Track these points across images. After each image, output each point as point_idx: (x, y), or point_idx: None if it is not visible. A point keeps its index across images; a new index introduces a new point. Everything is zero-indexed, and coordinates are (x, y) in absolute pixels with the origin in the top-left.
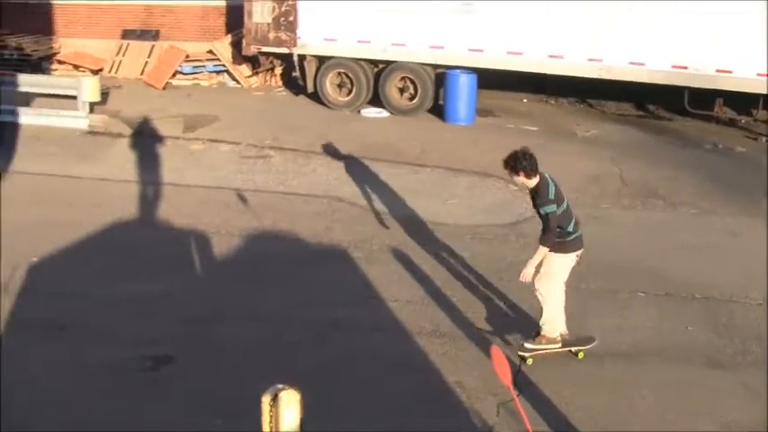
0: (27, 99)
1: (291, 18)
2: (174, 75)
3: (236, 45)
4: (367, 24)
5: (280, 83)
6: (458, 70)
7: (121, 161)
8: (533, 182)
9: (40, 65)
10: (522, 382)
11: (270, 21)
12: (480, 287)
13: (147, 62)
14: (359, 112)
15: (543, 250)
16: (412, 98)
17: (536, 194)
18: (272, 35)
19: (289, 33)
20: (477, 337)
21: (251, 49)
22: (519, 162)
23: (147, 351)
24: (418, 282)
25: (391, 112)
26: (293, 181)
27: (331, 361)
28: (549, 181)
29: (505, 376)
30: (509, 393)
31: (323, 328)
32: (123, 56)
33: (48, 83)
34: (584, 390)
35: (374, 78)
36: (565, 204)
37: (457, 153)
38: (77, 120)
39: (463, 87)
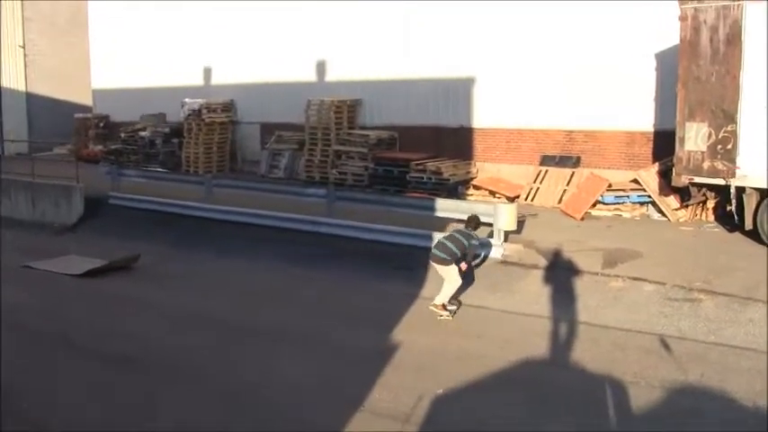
0: (442, 223)
1: (730, 146)
2: (593, 204)
3: (664, 174)
4: None
5: (711, 217)
6: None
7: (534, 294)
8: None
9: (455, 189)
10: None
11: (704, 149)
12: None
13: (565, 190)
14: None
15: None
16: None
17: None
18: (706, 164)
19: (726, 163)
20: None
21: (681, 179)
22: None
23: None
24: None
25: None
26: (726, 330)
27: None
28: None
29: None
30: None
31: None
32: (541, 182)
33: (464, 208)
34: None
35: None
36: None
37: None
38: (491, 248)
39: None
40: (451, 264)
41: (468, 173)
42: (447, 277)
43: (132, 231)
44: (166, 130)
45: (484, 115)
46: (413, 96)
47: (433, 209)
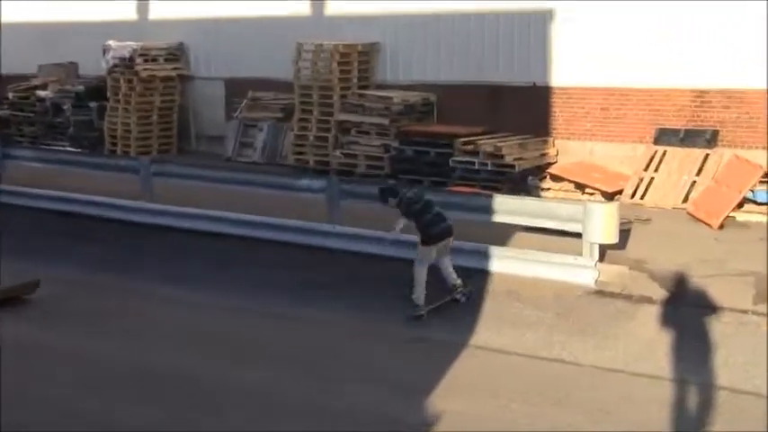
0: (503, 233)
1: None
2: (739, 205)
3: None
4: None
5: None
6: None
7: (645, 342)
8: None
9: (524, 180)
10: None
11: None
12: None
13: (693, 182)
14: None
15: None
16: None
17: None
18: None
19: None
20: None
21: None
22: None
23: None
24: None
25: None
26: None
27: None
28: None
29: None
30: None
31: None
32: (655, 171)
33: (535, 210)
34: None
35: None
36: None
37: None
38: (579, 271)
39: None
40: None
41: (544, 155)
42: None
43: (26, 245)
44: (80, 88)
45: (568, 68)
46: (458, 39)
47: (488, 211)
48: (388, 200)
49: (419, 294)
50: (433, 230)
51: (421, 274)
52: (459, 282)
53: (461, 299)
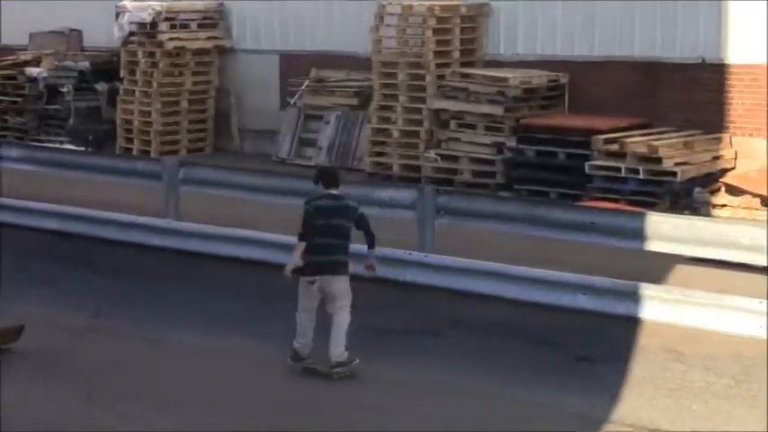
0: (658, 266)
1: None
2: None
3: None
4: None
5: None
6: None
7: None
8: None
9: (689, 193)
10: None
11: None
12: None
13: None
14: None
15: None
16: None
17: None
18: None
19: None
20: None
21: None
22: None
23: None
24: None
25: None
26: None
27: None
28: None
29: None
30: None
31: None
32: None
33: (704, 234)
34: None
35: None
36: None
37: None
38: (765, 319)
39: None
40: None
41: (717, 159)
42: (345, 300)
43: (14, 275)
44: (84, 65)
45: (752, 38)
46: (597, 2)
47: (639, 235)
48: (318, 184)
49: (301, 344)
50: (314, 257)
51: (300, 317)
52: (343, 359)
53: (334, 376)
